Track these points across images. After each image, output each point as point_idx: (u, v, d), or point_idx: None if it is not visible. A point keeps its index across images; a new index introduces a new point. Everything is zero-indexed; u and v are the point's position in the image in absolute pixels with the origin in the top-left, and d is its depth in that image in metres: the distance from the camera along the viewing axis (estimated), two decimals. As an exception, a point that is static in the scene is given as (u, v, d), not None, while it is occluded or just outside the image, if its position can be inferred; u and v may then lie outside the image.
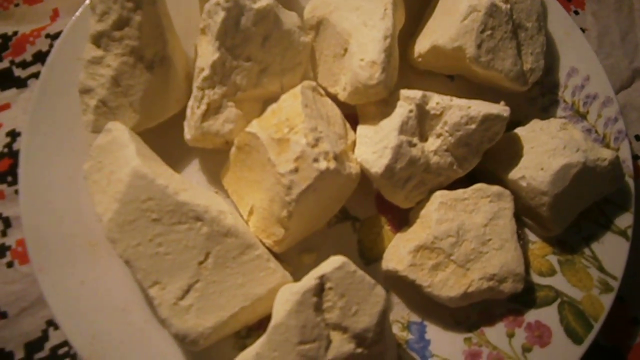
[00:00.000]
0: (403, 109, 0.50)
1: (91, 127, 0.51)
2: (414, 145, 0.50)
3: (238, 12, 0.49)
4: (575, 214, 0.54)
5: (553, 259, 0.54)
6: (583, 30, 0.68)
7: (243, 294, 0.47)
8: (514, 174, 0.52)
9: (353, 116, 0.55)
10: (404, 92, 0.51)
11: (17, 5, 0.63)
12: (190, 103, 0.51)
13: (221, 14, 0.48)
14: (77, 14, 0.55)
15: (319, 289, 0.44)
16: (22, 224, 0.50)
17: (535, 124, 0.55)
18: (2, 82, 0.61)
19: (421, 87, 0.58)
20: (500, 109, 0.51)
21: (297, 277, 0.48)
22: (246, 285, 0.47)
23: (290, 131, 0.47)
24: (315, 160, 0.45)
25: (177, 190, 0.46)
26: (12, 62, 0.62)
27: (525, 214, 0.55)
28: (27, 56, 0.62)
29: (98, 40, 0.49)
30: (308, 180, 0.45)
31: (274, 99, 0.52)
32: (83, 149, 0.53)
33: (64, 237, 0.50)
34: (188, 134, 0.51)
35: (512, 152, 0.53)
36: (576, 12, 0.69)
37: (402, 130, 0.50)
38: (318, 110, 0.50)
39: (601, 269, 0.53)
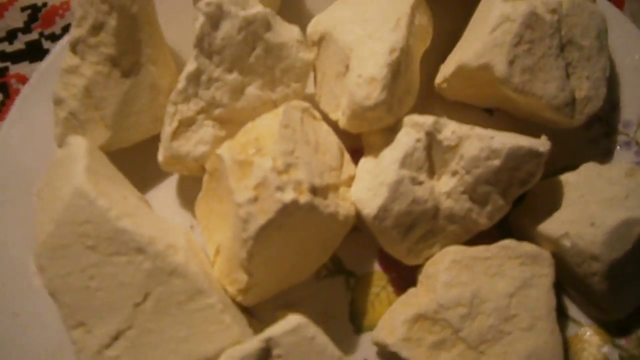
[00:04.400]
0: (409, 138, 0.40)
1: (59, 141, 0.46)
2: (420, 183, 0.40)
3: (220, 17, 0.43)
4: (646, 292, 0.39)
5: (612, 354, 0.40)
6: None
7: (186, 350, 0.38)
8: (555, 230, 0.39)
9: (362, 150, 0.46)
10: (411, 118, 0.41)
11: (47, -24, 0.62)
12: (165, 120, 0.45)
13: (200, 19, 0.43)
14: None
15: (264, 355, 0.34)
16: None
17: (591, 168, 0.42)
18: (30, 54, 0.59)
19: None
20: (537, 142, 0.39)
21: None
22: (191, 340, 0.38)
23: (257, 152, 0.38)
24: (279, 189, 0.36)
25: (120, 214, 0.39)
26: (41, 34, 0.60)
27: (571, 285, 0.41)
28: (57, 29, 0.60)
29: (75, 46, 0.45)
30: (268, 213, 0.36)
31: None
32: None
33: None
34: (160, 156, 0.45)
35: (554, 202, 0.41)
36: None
37: (405, 163, 0.40)
38: (304, 134, 0.42)
39: (683, 375, 0.38)
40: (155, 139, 0.47)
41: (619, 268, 0.37)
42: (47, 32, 0.60)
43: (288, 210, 0.36)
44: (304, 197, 0.37)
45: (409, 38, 0.43)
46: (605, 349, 0.40)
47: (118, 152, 0.47)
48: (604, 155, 0.46)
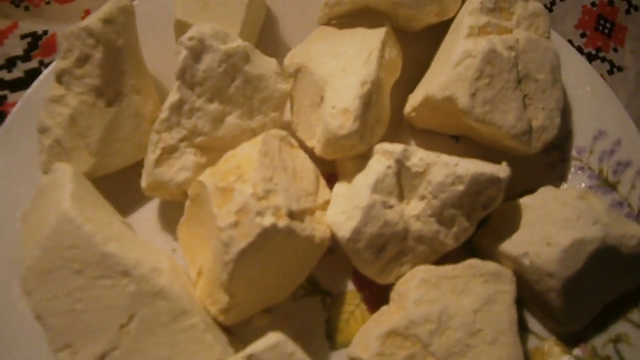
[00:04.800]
0: (380, 165, 0.43)
1: (43, 168, 0.48)
2: (390, 207, 0.43)
3: (202, 51, 0.45)
4: (599, 306, 0.43)
5: (570, 364, 0.43)
6: (621, 68, 0.62)
7: (170, 369, 0.39)
8: (515, 250, 0.42)
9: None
10: (382, 146, 0.44)
11: (48, 3, 0.62)
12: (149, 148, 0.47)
13: (183, 53, 0.45)
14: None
15: (245, 372, 0.35)
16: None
17: (548, 191, 0.45)
18: (29, 83, 0.56)
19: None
20: (497, 169, 0.42)
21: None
22: (175, 358, 0.40)
23: (238, 180, 0.40)
24: (259, 214, 0.39)
25: (106, 239, 0.40)
26: (41, 63, 0.60)
27: (532, 301, 0.44)
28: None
29: (60, 77, 0.47)
30: (249, 237, 0.38)
31: (246, 149, 0.46)
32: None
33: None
34: (143, 182, 0.47)
35: (514, 223, 0.44)
36: (615, 50, 0.63)
37: (376, 188, 0.42)
38: (282, 161, 0.44)
39: (633, 382, 0.41)
40: (137, 165, 0.49)
41: (573, 284, 0.40)
42: (47, 60, 0.60)
43: (267, 234, 0.39)
44: (282, 222, 0.39)
45: (379, 71, 0.47)
46: (565, 359, 0.43)
47: (102, 177, 0.49)
48: (560, 179, 0.49)
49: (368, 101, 0.44)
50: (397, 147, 0.43)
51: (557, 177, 0.50)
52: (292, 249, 0.42)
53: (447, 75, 0.44)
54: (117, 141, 0.48)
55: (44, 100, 0.48)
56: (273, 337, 0.36)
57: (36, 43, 0.61)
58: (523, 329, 0.44)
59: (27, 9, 0.61)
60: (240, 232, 0.39)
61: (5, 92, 0.59)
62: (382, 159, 0.43)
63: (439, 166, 0.42)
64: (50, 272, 0.40)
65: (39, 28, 0.61)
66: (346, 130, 0.43)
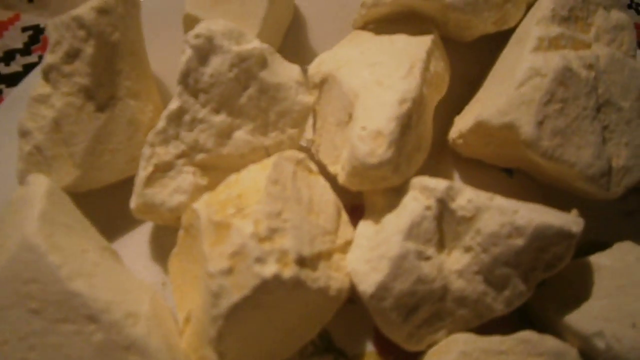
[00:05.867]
0: (417, 204, 0.35)
1: (20, 178, 0.41)
2: (427, 258, 0.34)
3: (210, 51, 0.38)
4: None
5: None
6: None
7: None
8: (586, 326, 0.33)
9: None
10: (420, 181, 0.35)
11: (54, -5, 0.58)
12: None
13: (187, 53, 0.38)
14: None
15: None
16: None
17: (629, 250, 0.36)
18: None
19: (466, 183, 0.43)
20: (568, 221, 0.33)
21: None
22: None
23: (237, 213, 0.32)
24: (259, 260, 0.30)
25: (73, 273, 0.33)
26: (41, 58, 0.55)
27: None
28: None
29: (47, 74, 0.41)
30: (244, 289, 0.30)
31: (256, 171, 0.39)
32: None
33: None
34: (132, 203, 0.39)
35: (584, 289, 0.34)
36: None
37: (411, 234, 0.34)
38: (296, 191, 0.36)
39: None
40: (129, 182, 0.41)
41: (663, 382, 0.31)
42: None
43: (268, 287, 0.30)
44: (289, 271, 0.31)
45: (423, 87, 0.38)
46: None
47: (86, 194, 0.42)
48: (639, 232, 0.40)
49: (407, 123, 0.36)
50: (440, 184, 0.35)
51: (635, 228, 0.40)
52: (300, 303, 0.33)
53: (507, 96, 0.36)
54: (107, 152, 0.41)
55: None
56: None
57: (37, 37, 0.56)
58: None
59: (30, 0, 0.57)
60: (234, 281, 0.31)
61: (1, 86, 0.54)
62: (421, 197, 0.35)
63: (492, 212, 0.33)
64: (2, 310, 0.33)
65: (42, 21, 0.56)
66: (377, 158, 0.35)
